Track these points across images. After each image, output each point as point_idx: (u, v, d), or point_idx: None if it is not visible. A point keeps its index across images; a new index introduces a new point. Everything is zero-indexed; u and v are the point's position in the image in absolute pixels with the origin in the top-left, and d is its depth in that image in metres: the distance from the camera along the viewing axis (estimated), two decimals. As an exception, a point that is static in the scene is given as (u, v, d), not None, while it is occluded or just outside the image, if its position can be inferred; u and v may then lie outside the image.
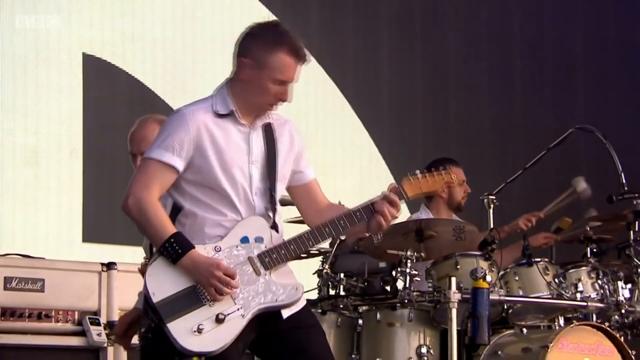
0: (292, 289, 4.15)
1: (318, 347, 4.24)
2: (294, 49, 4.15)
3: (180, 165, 4.10)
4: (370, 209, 4.20)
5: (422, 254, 6.14)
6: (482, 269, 6.09)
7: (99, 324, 5.26)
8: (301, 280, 6.41)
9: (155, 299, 3.98)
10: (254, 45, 4.17)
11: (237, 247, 4.09)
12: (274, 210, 4.20)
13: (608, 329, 6.10)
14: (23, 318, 5.15)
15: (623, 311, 6.26)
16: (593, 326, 6.09)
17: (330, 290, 6.23)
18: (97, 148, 8.18)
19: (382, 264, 6.44)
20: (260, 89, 4.15)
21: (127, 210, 4.08)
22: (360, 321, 6.22)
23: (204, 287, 3.99)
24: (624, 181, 6.60)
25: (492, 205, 6.82)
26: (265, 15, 8.75)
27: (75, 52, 8.20)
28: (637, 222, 6.42)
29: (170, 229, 4.04)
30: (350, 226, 4.20)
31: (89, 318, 5.27)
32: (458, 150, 9.43)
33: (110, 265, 5.36)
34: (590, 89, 10.06)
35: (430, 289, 6.08)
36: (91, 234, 8.07)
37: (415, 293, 6.04)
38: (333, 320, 6.16)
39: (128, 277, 5.39)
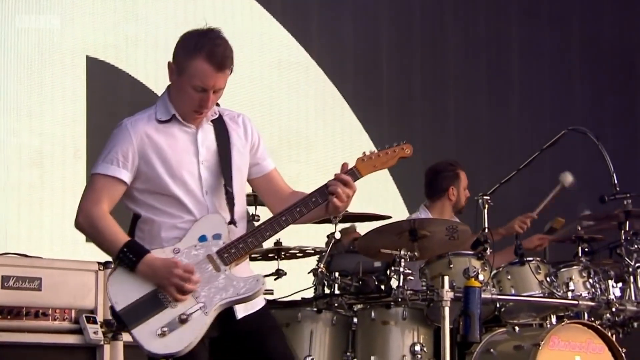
0: (252, 280, 4.09)
1: (280, 348, 4.21)
2: (211, 56, 4.05)
3: (126, 177, 4.08)
4: (324, 192, 4.12)
5: (416, 254, 6.13)
6: (475, 268, 6.07)
7: (95, 322, 5.23)
8: (296, 279, 6.47)
9: (118, 307, 3.98)
10: (179, 50, 4.14)
11: (195, 246, 4.06)
12: (232, 205, 4.15)
13: (599, 327, 6.08)
14: (20, 316, 5.13)
15: (614, 309, 6.24)
16: (584, 324, 6.07)
17: (325, 289, 6.21)
18: (100, 149, 8.12)
19: (378, 264, 6.44)
20: (183, 95, 4.10)
21: (80, 227, 4.10)
22: (355, 319, 6.22)
23: (165, 289, 3.97)
24: (615, 182, 6.57)
25: (486, 206, 6.76)
26: (267, 21, 8.78)
27: (79, 54, 8.21)
28: (627, 222, 6.38)
29: (122, 238, 4.03)
30: (307, 211, 4.12)
31: (86, 316, 5.24)
32: (456, 152, 9.42)
33: (106, 264, 5.33)
34: (587, 91, 10.04)
35: (424, 288, 6.06)
36: (95, 233, 8.03)
37: (408, 292, 6.02)
38: (328, 319, 6.16)
39: (125, 276, 5.33)
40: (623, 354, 6.03)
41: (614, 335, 6.30)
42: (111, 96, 8.32)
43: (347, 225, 7.03)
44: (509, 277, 6.21)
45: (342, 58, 9.16)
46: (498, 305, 6.18)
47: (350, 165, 4.24)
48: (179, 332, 3.95)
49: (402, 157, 4.36)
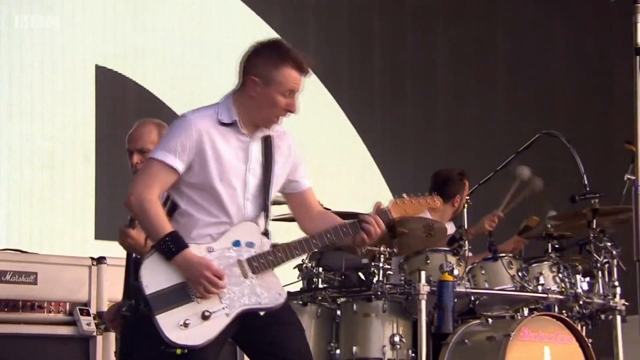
0: (275, 294, 4.14)
1: (298, 343, 4.22)
2: (298, 63, 4.14)
3: (180, 167, 4.09)
4: (356, 226, 4.21)
5: (395, 250, 6.12)
6: (450, 263, 6.08)
7: (88, 315, 5.25)
8: (283, 273, 6.46)
9: (148, 290, 3.97)
10: (261, 63, 4.16)
11: (228, 249, 4.08)
12: (267, 218, 4.20)
13: (567, 319, 6.06)
14: (17, 309, 5.15)
15: (581, 302, 6.23)
16: (553, 316, 6.06)
17: (310, 283, 6.21)
18: (108, 153, 8.21)
19: (365, 260, 6.43)
20: (270, 103, 4.12)
21: (130, 206, 4.10)
22: (338, 312, 6.23)
23: (194, 285, 3.99)
24: (586, 182, 6.57)
25: (466, 205, 6.78)
26: (266, 32, 8.78)
27: (88, 63, 8.26)
28: (595, 220, 6.36)
29: (167, 227, 4.02)
30: (337, 240, 4.22)
31: (80, 309, 5.27)
32: (445, 155, 9.42)
33: (100, 260, 5.37)
34: (568, 97, 10.03)
35: (402, 282, 6.06)
36: (103, 231, 8.09)
37: (387, 286, 6.03)
38: (313, 311, 6.16)
39: (117, 271, 5.39)
40: (590, 345, 6.01)
41: (583, 327, 6.30)
42: (119, 103, 8.36)
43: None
44: (483, 272, 6.21)
45: (336, 65, 9.17)
46: (473, 298, 6.19)
47: (385, 205, 4.35)
48: (200, 328, 3.97)
49: (431, 209, 4.50)
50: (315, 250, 4.29)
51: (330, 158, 8.93)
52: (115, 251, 7.06)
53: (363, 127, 9.20)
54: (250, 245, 4.11)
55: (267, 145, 4.21)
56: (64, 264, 5.32)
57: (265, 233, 4.17)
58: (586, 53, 10.08)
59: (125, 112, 8.38)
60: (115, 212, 7.98)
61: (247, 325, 4.12)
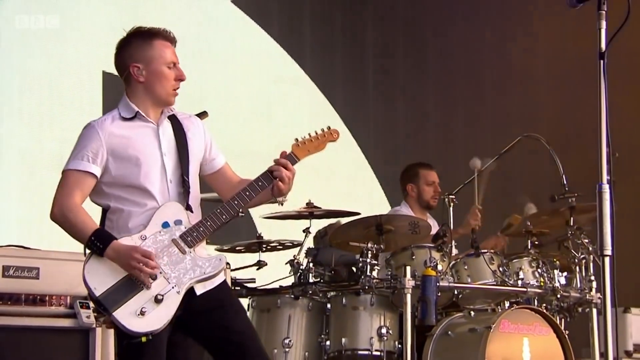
0: (216, 260, 4.10)
1: (241, 324, 4.16)
2: (164, 35, 4.21)
3: (96, 170, 4.05)
4: (269, 176, 4.15)
5: (382, 246, 6.13)
6: (434, 259, 6.08)
7: (88, 308, 5.23)
8: (276, 269, 6.48)
9: (97, 292, 3.94)
10: (134, 50, 4.18)
11: (160, 232, 4.03)
12: (187, 193, 4.14)
13: (545, 311, 6.06)
14: (20, 302, 5.13)
15: (559, 296, 6.23)
16: (532, 309, 6.06)
17: (302, 278, 6.22)
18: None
19: (358, 256, 6.43)
20: (159, 78, 4.14)
21: (55, 219, 4.09)
22: (328, 305, 6.24)
23: (130, 272, 3.94)
24: (565, 182, 6.56)
25: (451, 204, 6.78)
26: (264, 39, 8.79)
27: (96, 70, 8.25)
28: (572, 218, 6.36)
29: (91, 227, 4.01)
30: (255, 194, 4.13)
31: (80, 302, 5.23)
32: (435, 155, 9.41)
33: (100, 256, 5.32)
34: (552, 101, 10.02)
35: (389, 277, 6.06)
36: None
37: (375, 280, 6.03)
38: (305, 305, 6.17)
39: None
40: (567, 336, 6.00)
41: (561, 320, 6.29)
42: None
43: (333, 221, 7.02)
44: (466, 267, 6.21)
45: (330, 70, 9.17)
46: (456, 292, 6.18)
47: (288, 151, 4.26)
48: (156, 311, 3.93)
49: (331, 141, 4.42)
50: (240, 211, 4.13)
51: (324, 158, 8.86)
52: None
53: (356, 128, 9.21)
54: (178, 222, 4.07)
55: (176, 126, 4.20)
56: (65, 259, 5.29)
57: (188, 208, 4.12)
58: (567, 57, 10.07)
59: (129, 116, 8.39)
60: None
61: (189, 310, 4.05)
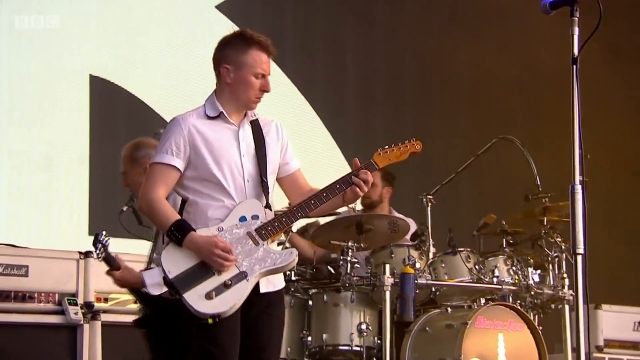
0: (287, 253, 4.16)
1: (270, 334, 4.20)
2: (263, 46, 4.17)
3: (179, 164, 4.13)
4: (348, 181, 4.21)
5: (362, 245, 6.13)
6: (413, 257, 6.10)
7: (76, 305, 5.23)
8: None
9: (171, 275, 4.02)
10: (230, 51, 4.20)
11: (236, 225, 4.10)
12: (267, 193, 4.20)
13: (519, 308, 6.09)
14: (9, 299, 5.14)
15: (532, 293, 6.25)
16: (507, 306, 6.09)
17: (284, 275, 6.19)
18: (101, 156, 8.19)
19: (335, 255, 6.43)
20: (245, 85, 4.15)
21: (141, 210, 4.19)
22: (310, 302, 6.24)
23: (209, 262, 4.02)
24: (538, 183, 6.58)
25: (429, 204, 6.77)
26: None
27: (83, 73, 8.23)
28: (546, 218, 6.38)
29: (172, 218, 4.07)
30: (332, 196, 4.18)
31: (68, 299, 5.24)
32: (412, 157, 9.40)
33: (87, 254, 5.34)
34: (524, 102, 10.07)
35: (369, 275, 6.07)
36: (96, 228, 8.00)
37: (355, 278, 6.04)
38: (287, 302, 6.14)
39: (103, 264, 5.35)
40: (540, 332, 6.02)
41: (535, 316, 6.32)
42: (112, 110, 8.34)
43: (311, 220, 7.02)
44: (443, 265, 6.23)
45: (311, 73, 9.17)
46: (433, 289, 6.20)
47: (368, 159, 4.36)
48: (224, 295, 4.00)
49: (413, 153, 4.50)
50: (314, 210, 4.17)
51: (305, 159, 8.84)
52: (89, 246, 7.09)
53: (336, 130, 9.20)
54: (255, 217, 4.14)
55: (256, 130, 4.23)
56: (54, 258, 5.30)
57: (268, 206, 4.19)
58: (541, 62, 10.11)
59: (117, 118, 8.37)
60: (108, 211, 7.99)
61: (249, 301, 4.09)
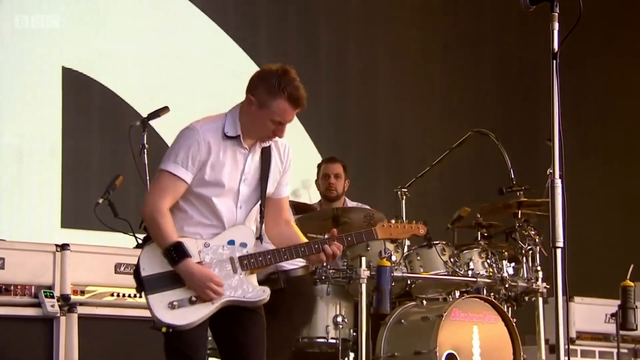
0: (260, 290, 4.15)
1: (255, 334, 4.21)
2: (293, 98, 4.08)
3: (190, 178, 4.10)
4: (317, 247, 4.22)
5: (339, 239, 6.11)
6: (389, 250, 6.12)
7: (52, 297, 5.19)
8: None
9: (144, 273, 4.04)
10: (261, 86, 4.10)
11: (223, 246, 4.10)
12: (262, 224, 4.21)
13: (494, 300, 6.12)
14: (-16, 292, 5.09)
15: (507, 285, 6.29)
16: (481, 298, 6.13)
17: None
18: (73, 148, 8.16)
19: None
20: (259, 125, 4.11)
21: (143, 216, 4.13)
22: (286, 295, 6.20)
23: (198, 291, 4.02)
24: (512, 176, 6.62)
25: (404, 197, 6.80)
26: (221, 38, 8.77)
27: (55, 66, 8.17)
28: (520, 211, 6.42)
29: (173, 237, 4.05)
30: (308, 253, 4.22)
31: (44, 292, 5.20)
32: (385, 151, 9.46)
33: (63, 246, 5.30)
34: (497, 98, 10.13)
35: (345, 267, 6.08)
36: (68, 221, 8.05)
37: (331, 270, 6.05)
38: (264, 295, 6.13)
39: (79, 257, 5.38)
40: (514, 324, 6.06)
41: (509, 308, 6.36)
42: (84, 103, 8.29)
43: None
44: (419, 257, 6.25)
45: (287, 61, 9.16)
46: (409, 282, 6.23)
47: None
48: (185, 310, 4.02)
49: (415, 235, 4.52)
50: (297, 257, 4.27)
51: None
52: (79, 239, 7.06)
53: (309, 123, 9.21)
54: (243, 245, 4.13)
55: (265, 156, 4.20)
56: (30, 250, 5.25)
57: (259, 238, 4.19)
58: (512, 57, 10.18)
59: (90, 111, 8.34)
60: (80, 203, 7.99)
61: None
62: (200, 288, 4.01)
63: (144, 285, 4.03)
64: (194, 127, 4.13)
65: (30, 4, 8.11)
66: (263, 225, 4.22)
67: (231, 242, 4.11)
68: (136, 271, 4.07)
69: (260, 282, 4.38)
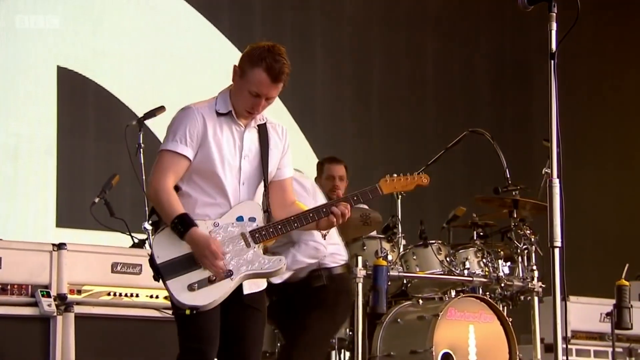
0: (276, 260, 4.15)
1: (255, 331, 4.23)
2: (271, 69, 4.08)
3: (191, 154, 4.10)
4: (326, 210, 4.20)
5: (335, 236, 6.12)
6: (385, 249, 6.12)
7: (49, 296, 5.17)
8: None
9: (159, 260, 4.04)
10: (245, 57, 4.16)
11: (232, 224, 4.10)
12: (267, 198, 4.20)
13: (489, 299, 6.13)
14: (-19, 291, 5.08)
15: (503, 285, 6.30)
16: (477, 297, 6.13)
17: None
18: (68, 147, 8.16)
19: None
20: (240, 97, 4.12)
21: (149, 197, 4.19)
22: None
23: (200, 259, 4.03)
24: (508, 175, 6.62)
25: (399, 197, 6.78)
26: (215, 36, 8.78)
27: (51, 65, 8.16)
28: (516, 210, 6.43)
29: (177, 210, 4.05)
30: (317, 218, 4.19)
31: (41, 291, 5.17)
32: (380, 150, 9.47)
33: (60, 246, 5.28)
34: (491, 98, 10.14)
35: (341, 266, 6.05)
36: (63, 220, 8.05)
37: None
38: (260, 294, 6.13)
39: (76, 256, 5.35)
40: (510, 323, 6.07)
41: (504, 307, 6.36)
42: (79, 102, 8.30)
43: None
44: (415, 257, 6.25)
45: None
46: (405, 281, 6.23)
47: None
48: (206, 290, 4.01)
49: (420, 185, 4.44)
50: (307, 223, 4.20)
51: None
52: (74, 238, 7.06)
53: (304, 122, 9.22)
54: (252, 220, 4.13)
55: (262, 134, 4.21)
56: (27, 250, 5.23)
57: (267, 211, 4.19)
58: (507, 57, 10.20)
59: (85, 110, 8.34)
60: (75, 202, 7.99)
61: (232, 301, 4.10)
62: (200, 254, 4.01)
63: (160, 272, 4.03)
64: (188, 106, 4.17)
65: (26, 4, 8.10)
66: (268, 200, 4.21)
67: (240, 219, 4.12)
68: (151, 260, 4.07)
69: (303, 279, 4.43)
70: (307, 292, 5.25)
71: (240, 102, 4.13)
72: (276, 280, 4.70)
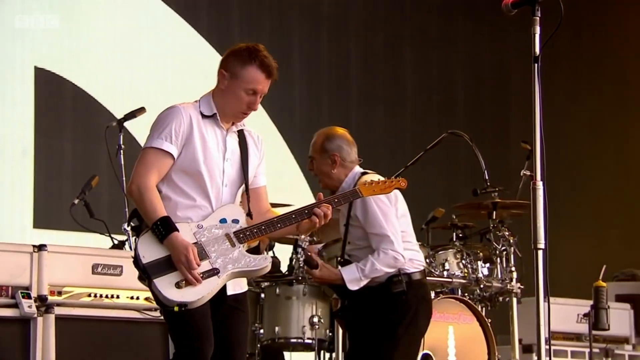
0: (261, 258, 4.20)
1: (238, 330, 4.25)
2: (265, 65, 4.16)
3: (175, 152, 4.12)
4: (307, 212, 4.27)
5: (315, 238, 6.15)
6: (365, 251, 6.09)
7: (30, 298, 5.16)
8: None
9: (145, 260, 4.05)
10: (232, 60, 4.20)
11: (216, 226, 4.13)
12: (248, 201, 4.24)
13: (469, 300, 6.15)
14: (-38, 293, 5.05)
15: (482, 286, 6.33)
16: (456, 299, 6.16)
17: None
18: (46, 148, 8.12)
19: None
20: (235, 98, 4.16)
21: (130, 194, 4.14)
22: (262, 295, 6.24)
23: (175, 264, 4.04)
24: (487, 177, 6.65)
25: (379, 198, 6.80)
26: (193, 37, 8.77)
27: (28, 66, 8.13)
28: (495, 212, 6.47)
29: (160, 212, 4.07)
30: (300, 219, 4.26)
31: (21, 292, 5.16)
32: (358, 152, 9.45)
33: (41, 247, 5.27)
34: (468, 101, 10.18)
35: (320, 268, 6.06)
36: (41, 221, 8.01)
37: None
38: (239, 294, 6.14)
39: (57, 257, 5.34)
40: (489, 324, 6.10)
41: (483, 308, 6.39)
42: (56, 102, 8.26)
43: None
44: (394, 258, 6.23)
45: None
46: (385, 282, 6.21)
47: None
48: (193, 287, 4.03)
49: (398, 188, 4.58)
50: (290, 224, 4.27)
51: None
52: (51, 239, 7.03)
53: (282, 123, 9.23)
54: (235, 222, 4.17)
55: (242, 139, 4.26)
56: (7, 251, 5.22)
57: (249, 214, 4.22)
58: (485, 60, 10.24)
59: (62, 110, 8.31)
60: (52, 203, 7.95)
61: (215, 302, 4.13)
62: (177, 259, 4.01)
63: (147, 271, 4.04)
64: (174, 105, 4.19)
65: (3, 4, 8.06)
66: (250, 204, 4.23)
67: (223, 221, 4.15)
68: (136, 260, 4.08)
69: (383, 283, 4.75)
70: (387, 297, 5.06)
71: (233, 104, 4.17)
72: (353, 287, 4.80)
